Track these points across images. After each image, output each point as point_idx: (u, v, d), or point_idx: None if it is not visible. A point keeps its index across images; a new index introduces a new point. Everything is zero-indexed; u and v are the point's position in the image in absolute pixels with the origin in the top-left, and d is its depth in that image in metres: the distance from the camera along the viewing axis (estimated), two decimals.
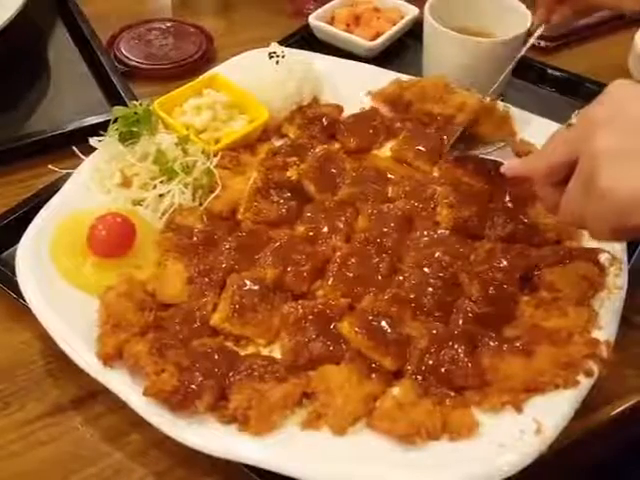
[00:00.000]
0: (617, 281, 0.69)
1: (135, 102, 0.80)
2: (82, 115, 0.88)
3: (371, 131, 0.85)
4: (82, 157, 0.77)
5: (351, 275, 0.68)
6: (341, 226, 0.73)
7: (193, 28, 1.06)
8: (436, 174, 0.81)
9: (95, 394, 0.64)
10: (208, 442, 0.57)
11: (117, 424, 0.63)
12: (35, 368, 0.67)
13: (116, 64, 0.98)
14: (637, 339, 0.71)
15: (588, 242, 0.73)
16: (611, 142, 0.54)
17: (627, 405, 0.68)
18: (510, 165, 0.67)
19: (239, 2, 1.16)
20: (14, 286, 0.67)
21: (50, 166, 0.77)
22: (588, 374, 0.61)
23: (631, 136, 0.53)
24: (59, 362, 0.66)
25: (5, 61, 0.96)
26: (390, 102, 0.88)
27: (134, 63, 0.99)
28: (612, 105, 0.56)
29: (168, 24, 1.07)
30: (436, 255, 0.70)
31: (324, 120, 0.85)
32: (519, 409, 0.59)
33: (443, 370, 0.61)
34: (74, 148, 0.76)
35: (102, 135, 0.78)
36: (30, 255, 0.67)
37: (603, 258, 0.70)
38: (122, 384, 0.60)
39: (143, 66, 0.99)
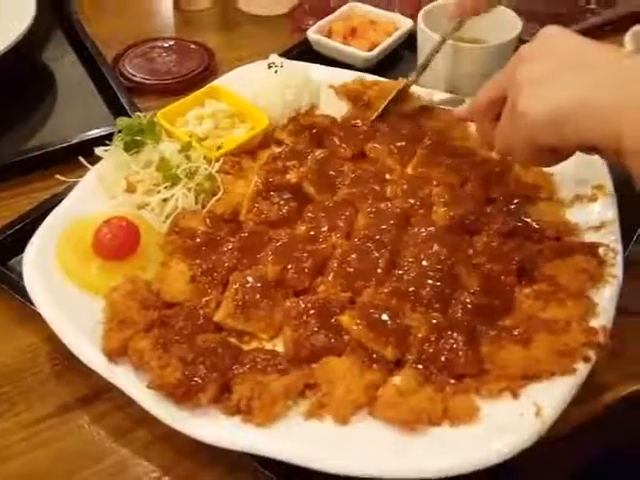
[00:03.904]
0: (613, 270, 0.69)
1: (139, 113, 0.82)
2: (88, 129, 0.90)
3: (361, 137, 0.86)
4: (88, 166, 0.79)
5: (351, 270, 0.70)
6: (341, 224, 0.75)
7: (195, 45, 1.09)
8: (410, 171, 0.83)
9: (100, 393, 0.66)
10: (213, 433, 0.57)
11: (122, 422, 0.64)
12: (41, 370, 0.68)
13: (121, 80, 1.01)
14: (635, 328, 0.72)
15: (587, 238, 0.74)
16: (533, 71, 0.61)
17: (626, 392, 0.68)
18: (459, 109, 0.75)
19: (240, 20, 1.20)
20: (21, 292, 0.69)
21: (57, 176, 0.78)
22: (586, 360, 0.62)
23: (551, 64, 0.60)
24: (64, 364, 0.68)
25: (13, 79, 1.00)
26: (352, 98, 0.91)
27: (138, 79, 1.02)
28: (539, 43, 0.63)
29: (171, 42, 1.11)
30: (434, 249, 0.71)
31: (313, 130, 0.87)
32: (517, 395, 0.60)
33: (443, 358, 0.62)
34: (80, 158, 0.79)
35: (107, 145, 0.80)
36: (37, 257, 0.69)
37: (601, 250, 0.71)
38: (127, 379, 0.61)
39: (147, 81, 1.02)
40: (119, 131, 0.80)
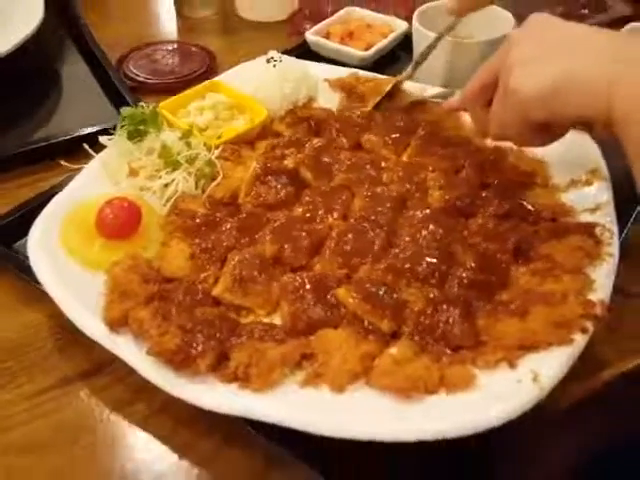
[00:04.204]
0: (609, 249, 0.70)
1: (142, 103, 0.84)
2: (92, 124, 0.92)
3: (357, 128, 0.88)
4: (93, 154, 0.81)
5: (347, 248, 0.71)
6: (337, 207, 0.76)
7: (196, 48, 1.12)
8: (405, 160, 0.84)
9: (101, 367, 0.67)
10: (210, 399, 0.58)
11: (122, 394, 0.65)
12: (43, 345, 0.69)
13: (125, 80, 1.03)
14: (633, 308, 0.73)
15: (583, 219, 0.74)
16: (523, 52, 0.64)
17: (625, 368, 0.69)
18: (451, 100, 0.78)
19: (240, 26, 1.23)
20: (26, 271, 0.70)
21: (62, 161, 0.80)
22: (583, 331, 0.62)
23: (540, 45, 0.63)
24: (67, 339, 0.69)
25: (19, 78, 1.03)
26: (346, 91, 0.94)
27: (141, 79, 1.05)
28: (528, 28, 0.66)
29: (174, 45, 1.14)
30: (430, 228, 0.72)
31: (311, 121, 0.89)
32: (514, 365, 0.60)
33: (439, 330, 0.63)
34: (85, 145, 0.80)
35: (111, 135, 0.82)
36: (41, 238, 0.70)
37: (597, 230, 0.72)
38: (127, 349, 0.62)
39: (149, 81, 1.05)
40: (123, 120, 0.81)
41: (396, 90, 0.94)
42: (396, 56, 1.11)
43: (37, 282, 0.68)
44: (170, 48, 1.13)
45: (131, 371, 0.62)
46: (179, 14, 1.26)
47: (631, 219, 0.79)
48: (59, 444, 0.61)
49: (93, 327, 0.63)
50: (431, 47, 0.94)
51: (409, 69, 0.94)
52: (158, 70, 1.07)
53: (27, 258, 0.70)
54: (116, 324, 0.63)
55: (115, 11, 1.28)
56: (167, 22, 1.27)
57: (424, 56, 0.95)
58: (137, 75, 1.05)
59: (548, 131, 0.68)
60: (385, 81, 0.94)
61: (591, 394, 0.67)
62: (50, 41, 1.11)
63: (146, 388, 0.62)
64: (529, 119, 0.65)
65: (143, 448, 0.61)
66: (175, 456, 0.61)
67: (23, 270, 0.72)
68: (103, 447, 0.61)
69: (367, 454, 0.58)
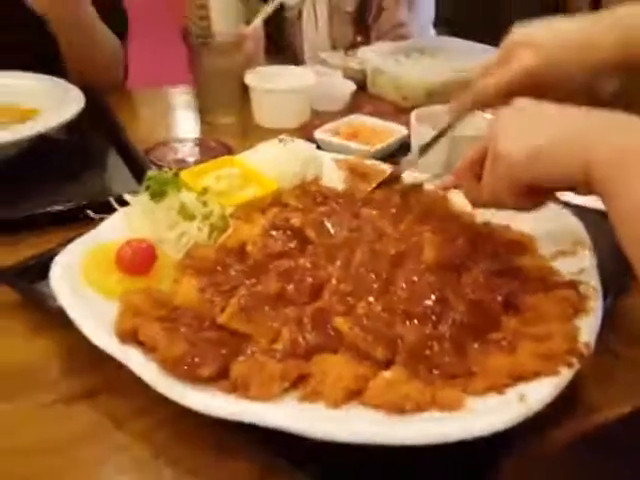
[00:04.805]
0: (593, 304, 0.75)
1: (165, 168, 0.93)
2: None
3: (359, 204, 0.96)
4: (117, 207, 0.88)
5: (347, 290, 0.76)
6: (339, 259, 0.82)
7: (216, 143, 1.24)
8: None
9: (106, 386, 0.70)
10: (217, 407, 0.61)
11: (125, 410, 0.67)
12: (52, 366, 0.73)
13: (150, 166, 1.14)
14: (620, 365, 0.76)
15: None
16: (509, 124, 0.72)
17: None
18: (442, 181, 0.86)
19: (256, 129, 1.36)
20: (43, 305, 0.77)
21: (88, 211, 0.88)
22: (569, 365, 0.65)
23: (524, 118, 0.72)
24: (74, 362, 0.73)
25: (56, 158, 1.14)
26: (351, 170, 1.04)
27: (164, 165, 1.15)
28: (514, 108, 0.75)
29: (196, 141, 1.27)
30: (425, 277, 0.77)
31: (317, 195, 0.97)
32: (502, 393, 0.63)
33: (431, 360, 0.67)
34: (110, 199, 0.88)
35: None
36: (64, 266, 0.76)
37: (581, 287, 0.77)
38: (136, 359, 0.65)
39: (172, 167, 1.14)
40: (148, 181, 0.90)
41: (396, 176, 1.03)
42: (397, 152, 1.21)
43: (52, 313, 0.73)
44: (191, 143, 1.25)
45: (135, 390, 0.65)
46: (202, 121, 1.40)
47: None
48: (64, 449, 0.63)
49: (105, 341, 0.67)
50: (432, 142, 1.02)
51: (411, 158, 1.03)
52: (180, 159, 1.18)
53: (45, 295, 0.76)
54: (127, 336, 0.66)
55: (142, 114, 1.42)
56: (191, 127, 1.40)
57: (426, 149, 1.03)
58: (161, 161, 1.16)
59: (537, 195, 0.75)
60: (387, 167, 1.04)
61: (582, 436, 0.68)
62: (84, 129, 1.23)
63: (148, 405, 0.66)
64: (518, 182, 0.71)
65: (144, 460, 0.63)
66: (174, 467, 0.62)
67: (40, 304, 0.77)
68: (105, 455, 0.63)
69: (364, 465, 0.60)
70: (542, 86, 0.86)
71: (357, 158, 1.05)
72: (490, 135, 0.74)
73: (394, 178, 1.02)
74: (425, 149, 1.03)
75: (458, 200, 0.92)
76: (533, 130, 0.70)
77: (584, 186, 0.67)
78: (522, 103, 0.76)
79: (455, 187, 0.88)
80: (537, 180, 0.70)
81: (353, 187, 1.00)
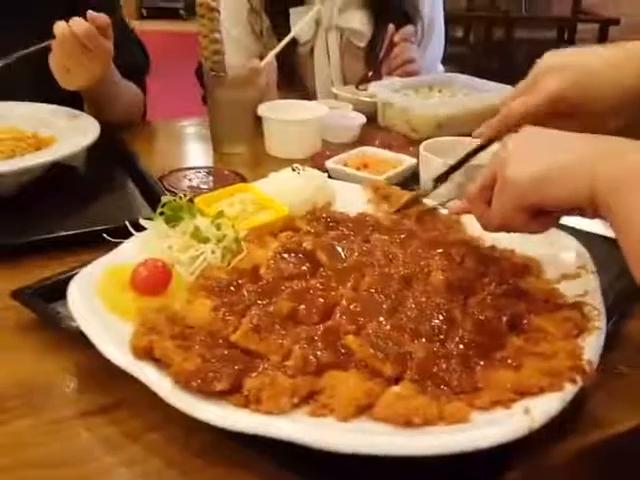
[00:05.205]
0: (597, 324, 0.76)
1: (181, 193, 0.96)
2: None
3: (371, 228, 0.99)
4: (133, 232, 0.91)
5: (357, 310, 0.77)
6: (349, 281, 0.84)
7: (228, 172, 1.28)
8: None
9: (119, 403, 0.71)
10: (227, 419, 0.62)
11: (137, 425, 0.68)
12: (65, 384, 0.75)
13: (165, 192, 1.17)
14: (625, 384, 0.77)
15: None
16: (518, 149, 0.74)
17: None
18: (455, 205, 0.87)
19: (268, 160, 1.40)
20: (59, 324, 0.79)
21: (105, 235, 0.90)
22: (573, 382, 0.67)
23: (533, 144, 0.75)
24: (87, 379, 0.75)
25: (72, 185, 1.17)
26: (375, 190, 1.08)
27: (178, 192, 1.18)
28: (521, 134, 0.78)
29: (209, 170, 1.30)
30: (432, 298, 0.79)
31: (329, 220, 1.00)
32: (508, 407, 0.64)
33: (439, 377, 0.68)
34: (126, 222, 0.91)
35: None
36: (80, 285, 0.79)
37: (585, 309, 0.79)
38: (151, 375, 0.67)
39: (186, 193, 1.17)
40: (162, 207, 0.92)
41: (417, 199, 1.05)
42: (406, 182, 1.24)
43: (68, 332, 0.76)
44: (205, 171, 1.28)
45: (148, 406, 0.68)
46: (215, 151, 1.44)
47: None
48: (78, 463, 0.65)
49: (121, 358, 0.69)
50: (454, 169, 1.02)
51: (427, 186, 1.04)
52: (194, 186, 1.21)
53: (60, 314, 0.79)
54: (142, 353, 0.68)
55: (158, 145, 1.46)
56: (204, 157, 1.44)
57: (446, 176, 1.03)
58: (175, 188, 1.19)
59: (545, 218, 0.77)
60: (406, 193, 1.07)
61: (587, 450, 0.69)
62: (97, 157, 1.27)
63: (161, 421, 0.68)
64: (526, 206, 0.74)
65: (157, 473, 0.64)
66: None
67: (56, 323, 0.79)
68: (119, 469, 0.65)
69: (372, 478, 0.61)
70: (568, 110, 0.87)
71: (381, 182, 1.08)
72: (498, 161, 0.77)
73: (415, 201, 1.04)
74: (445, 176, 1.03)
75: (471, 224, 0.94)
76: (540, 155, 0.73)
77: (590, 209, 0.69)
78: (530, 129, 0.79)
79: (467, 212, 0.90)
80: (544, 203, 0.73)
81: (376, 208, 1.04)
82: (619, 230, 0.66)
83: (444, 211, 1.03)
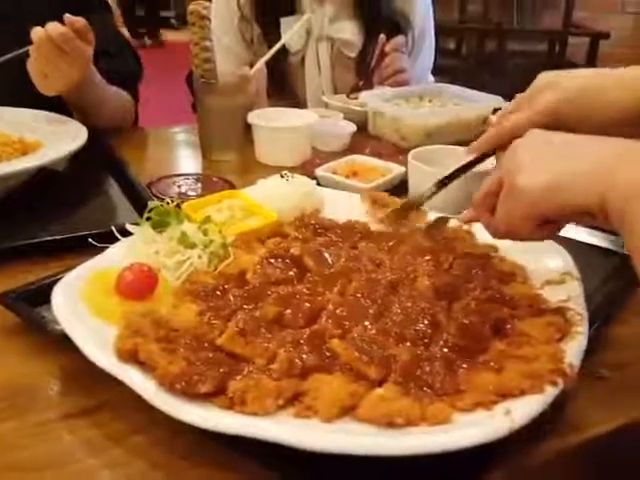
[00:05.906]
0: (579, 329, 0.77)
1: (168, 199, 0.97)
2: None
3: (359, 235, 0.99)
4: (119, 237, 0.91)
5: (343, 314, 0.78)
6: (336, 286, 0.84)
7: (217, 178, 1.28)
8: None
9: (101, 405, 0.71)
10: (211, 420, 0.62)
11: (121, 428, 0.69)
12: (48, 387, 0.75)
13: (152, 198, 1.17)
14: (606, 388, 0.78)
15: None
16: (528, 155, 0.73)
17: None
18: (462, 214, 0.86)
19: (257, 167, 1.41)
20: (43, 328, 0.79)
21: (90, 240, 0.90)
22: (554, 384, 0.67)
23: (543, 149, 0.73)
24: (69, 382, 0.75)
25: (59, 189, 1.18)
26: (372, 199, 1.08)
27: (166, 198, 1.18)
28: (529, 138, 0.76)
29: (198, 176, 1.31)
30: (418, 303, 0.80)
31: (318, 227, 1.00)
32: (490, 409, 0.65)
33: (422, 379, 0.69)
34: (112, 228, 0.91)
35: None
36: (63, 294, 0.78)
37: (569, 314, 0.80)
38: (136, 377, 0.67)
39: (174, 199, 1.18)
40: (149, 212, 0.93)
41: (411, 206, 1.05)
42: (395, 192, 1.24)
43: (52, 335, 0.76)
44: (193, 178, 1.29)
45: (132, 409, 0.68)
46: (204, 158, 1.45)
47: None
48: (62, 465, 0.65)
49: (105, 361, 0.69)
50: (449, 180, 1.01)
51: (426, 193, 1.02)
52: (182, 193, 1.22)
53: (45, 318, 0.79)
54: (126, 356, 0.69)
55: (147, 151, 1.47)
56: (193, 164, 1.45)
57: (440, 187, 1.01)
58: (163, 195, 1.19)
59: (551, 225, 0.76)
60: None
61: (568, 451, 0.70)
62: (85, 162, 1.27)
63: (146, 423, 0.68)
64: (534, 214, 0.72)
65: (141, 475, 0.64)
66: None
67: (40, 327, 0.79)
68: (100, 470, 0.64)
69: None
70: (562, 127, 0.85)
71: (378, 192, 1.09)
72: (507, 168, 0.75)
73: (409, 207, 1.05)
74: (440, 186, 1.01)
75: (481, 233, 0.94)
76: (549, 162, 0.71)
77: (601, 218, 0.67)
78: (538, 132, 0.78)
79: (475, 220, 0.88)
80: (554, 212, 0.71)
81: (372, 214, 1.06)
82: (631, 244, 0.64)
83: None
